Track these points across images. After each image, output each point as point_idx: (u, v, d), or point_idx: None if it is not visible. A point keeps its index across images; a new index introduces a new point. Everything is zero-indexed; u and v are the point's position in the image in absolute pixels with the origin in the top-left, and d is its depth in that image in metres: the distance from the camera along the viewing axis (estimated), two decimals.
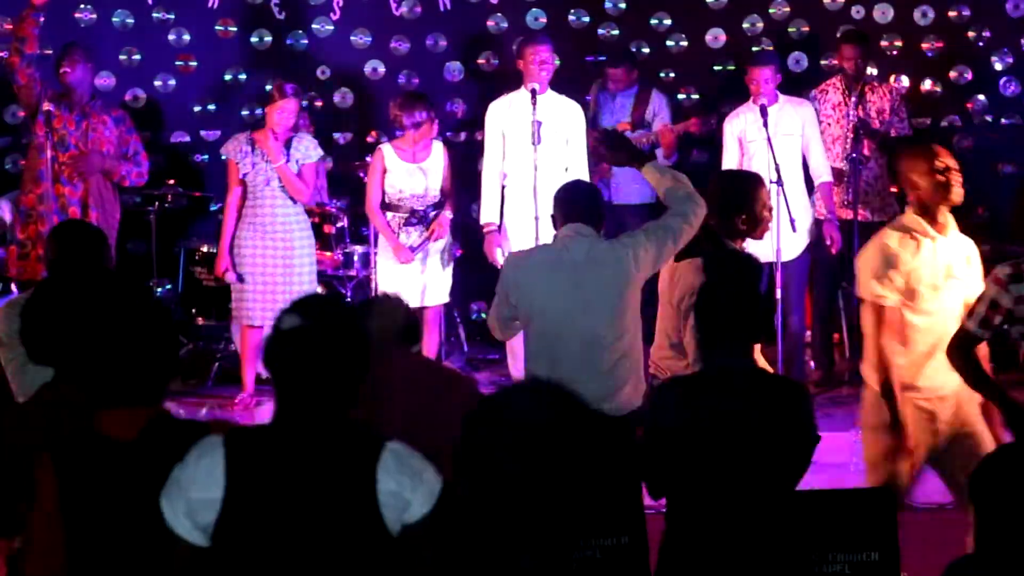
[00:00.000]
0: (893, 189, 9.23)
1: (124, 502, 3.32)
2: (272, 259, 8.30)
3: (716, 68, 10.26)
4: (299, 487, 3.10)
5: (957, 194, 5.41)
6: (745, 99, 8.70)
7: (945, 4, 10.14)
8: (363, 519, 3.10)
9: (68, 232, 5.21)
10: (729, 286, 4.36)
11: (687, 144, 9.63)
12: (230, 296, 8.48)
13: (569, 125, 8.44)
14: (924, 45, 10.20)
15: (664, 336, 5.62)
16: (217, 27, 10.19)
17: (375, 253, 8.79)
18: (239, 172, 8.32)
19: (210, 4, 10.12)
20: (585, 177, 8.30)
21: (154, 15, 10.10)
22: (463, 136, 10.19)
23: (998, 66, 10.16)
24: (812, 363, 9.09)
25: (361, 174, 9.21)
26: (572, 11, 10.29)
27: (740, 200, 5.65)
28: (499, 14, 10.27)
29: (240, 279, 8.33)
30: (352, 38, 10.27)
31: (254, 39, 10.23)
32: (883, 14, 10.17)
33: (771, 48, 9.92)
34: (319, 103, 10.24)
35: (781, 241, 7.82)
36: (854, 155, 8.70)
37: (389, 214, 8.38)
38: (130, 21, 10.11)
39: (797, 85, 9.36)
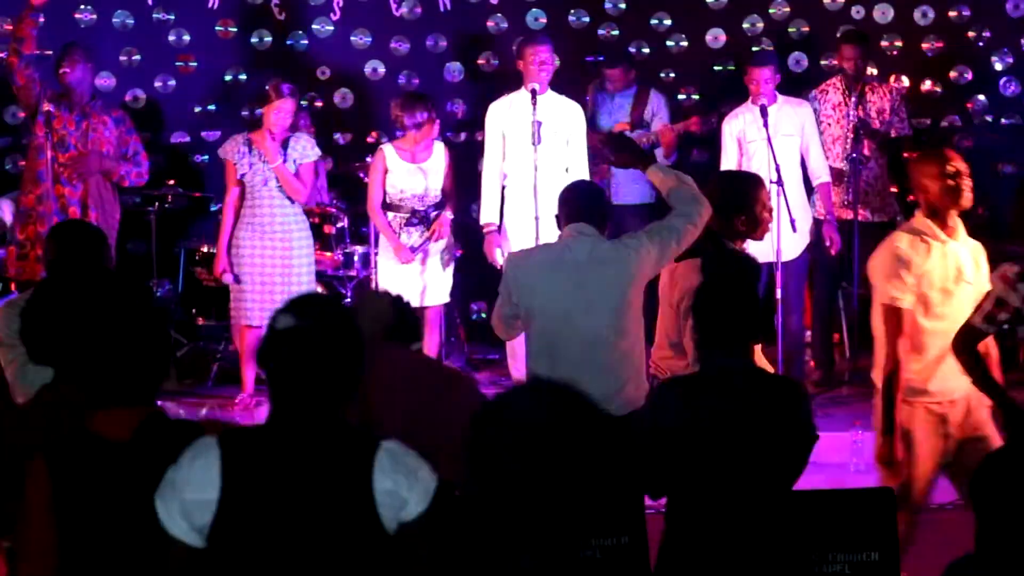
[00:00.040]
0: (893, 189, 9.24)
1: (118, 502, 3.31)
2: (271, 259, 8.29)
3: (716, 68, 10.25)
4: (295, 487, 3.09)
5: (967, 199, 5.44)
6: (745, 99, 8.70)
7: (945, 4, 10.13)
8: (360, 518, 3.10)
9: (68, 232, 5.22)
10: (727, 287, 4.36)
11: (687, 144, 9.63)
12: (230, 296, 8.48)
13: (569, 125, 8.44)
14: (924, 45, 10.20)
15: (664, 336, 5.63)
16: (217, 27, 10.19)
17: (375, 253, 8.79)
18: (237, 173, 8.32)
19: (210, 4, 10.12)
20: (585, 177, 8.30)
21: (154, 15, 10.10)
22: (463, 136, 10.19)
23: (998, 66, 10.16)
24: (812, 363, 9.09)
25: (361, 174, 9.21)
26: (572, 11, 10.28)
27: (739, 201, 5.65)
28: (499, 14, 10.27)
29: (237, 280, 8.33)
30: (352, 38, 10.27)
31: (254, 39, 10.23)
32: (883, 14, 10.17)
33: (771, 48, 9.91)
34: (319, 103, 10.24)
35: (781, 241, 7.82)
36: (854, 155, 8.70)
37: (390, 214, 8.38)
38: (130, 21, 10.11)
39: (797, 85, 9.36)
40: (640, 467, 4.28)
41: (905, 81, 10.09)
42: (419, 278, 8.35)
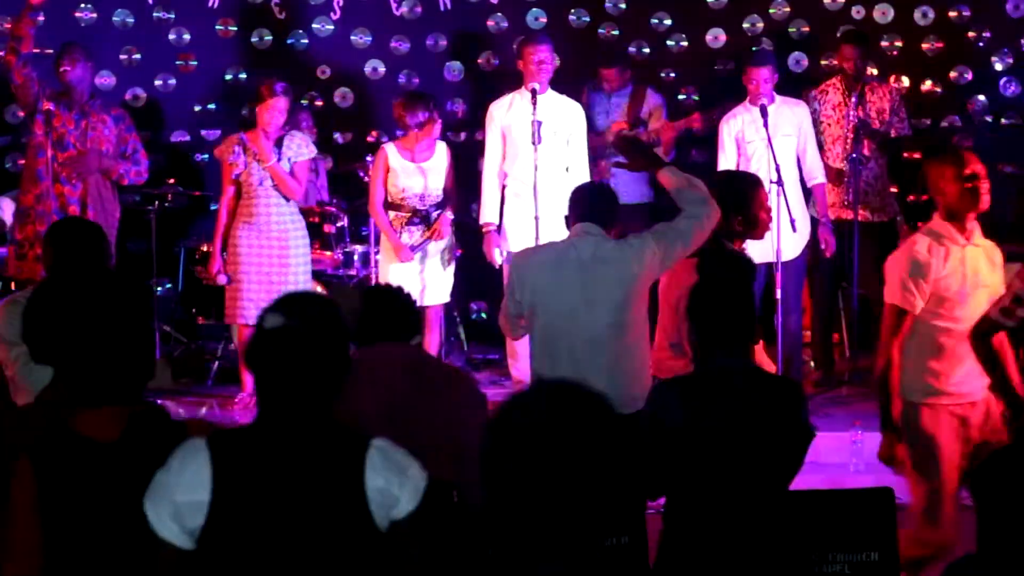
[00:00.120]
0: (893, 189, 9.24)
1: (104, 502, 3.28)
2: (268, 258, 8.28)
3: (717, 68, 10.24)
4: (288, 487, 3.08)
5: (985, 201, 5.45)
6: (743, 99, 8.69)
7: (945, 4, 10.13)
8: (353, 517, 3.09)
9: (67, 230, 5.21)
10: (720, 287, 4.37)
11: (686, 144, 9.63)
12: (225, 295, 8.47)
13: (569, 125, 8.44)
14: (924, 45, 10.19)
15: (664, 336, 5.64)
16: (217, 27, 10.19)
17: (375, 253, 8.79)
18: (232, 173, 8.31)
19: (210, 4, 10.12)
20: (585, 176, 8.31)
21: (154, 15, 10.11)
22: (463, 136, 10.19)
23: (998, 66, 10.16)
24: (812, 363, 9.09)
25: (361, 173, 9.21)
26: (572, 11, 10.28)
27: (736, 201, 5.67)
28: (499, 14, 10.27)
29: (230, 281, 8.31)
30: (352, 38, 10.27)
31: (254, 39, 10.23)
32: (883, 14, 10.17)
33: (769, 48, 9.91)
34: (319, 103, 10.24)
35: (780, 241, 7.81)
36: (854, 155, 8.69)
37: (391, 213, 8.37)
38: (130, 21, 10.11)
39: (797, 85, 9.35)
40: (641, 467, 4.28)
41: (905, 81, 10.09)
42: (419, 277, 8.34)
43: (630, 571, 4.63)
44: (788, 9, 10.24)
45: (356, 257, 9.16)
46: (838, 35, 9.45)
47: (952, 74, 10.19)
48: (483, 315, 10.20)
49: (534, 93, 8.22)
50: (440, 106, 8.46)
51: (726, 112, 8.68)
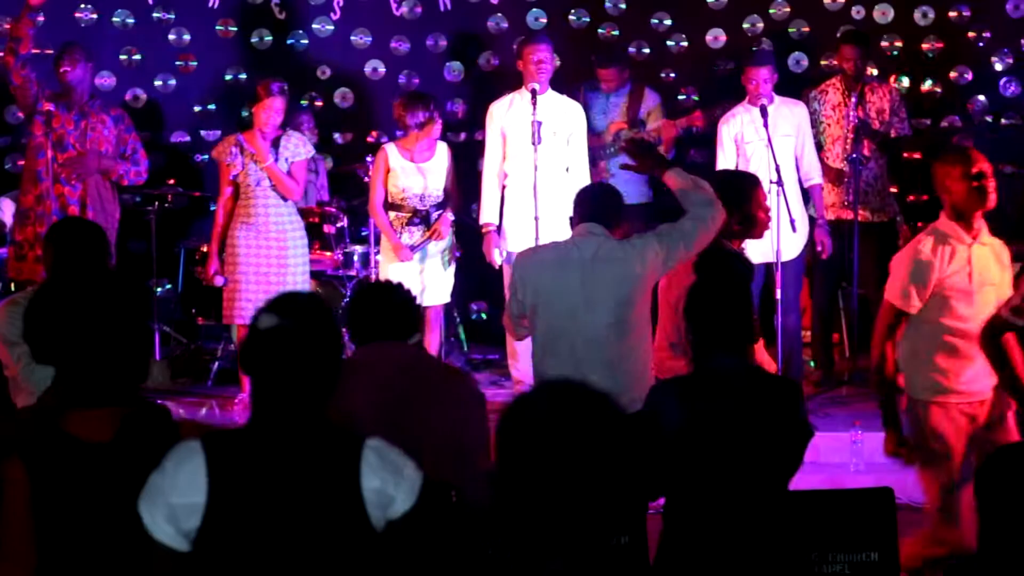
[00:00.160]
0: (893, 189, 9.24)
1: (98, 503, 3.27)
2: (266, 258, 8.28)
3: (717, 68, 10.24)
4: (284, 489, 3.07)
5: (992, 200, 5.47)
6: (742, 99, 8.68)
7: (945, 4, 10.13)
8: (349, 518, 3.09)
9: (67, 230, 5.21)
10: (717, 287, 4.37)
11: (685, 144, 9.62)
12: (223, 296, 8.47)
13: (569, 125, 8.44)
14: (924, 45, 10.20)
15: (664, 336, 5.64)
16: (217, 27, 10.19)
17: (375, 253, 8.79)
18: (229, 173, 8.30)
19: (210, 4, 10.13)
20: (586, 177, 8.31)
21: (154, 15, 10.11)
22: (463, 136, 10.19)
23: (998, 66, 10.16)
24: (812, 363, 9.09)
25: (361, 174, 9.21)
26: (572, 11, 10.28)
27: (734, 200, 5.66)
28: (499, 14, 10.27)
29: (227, 282, 8.31)
30: (352, 38, 10.27)
31: (254, 39, 10.23)
32: (883, 14, 10.17)
33: (769, 48, 9.91)
34: (319, 103, 10.24)
35: (780, 241, 7.81)
36: (854, 155, 8.69)
37: (392, 214, 8.36)
38: (130, 21, 10.12)
39: (797, 85, 9.35)
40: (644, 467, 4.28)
41: (905, 81, 10.09)
42: (419, 278, 8.33)
43: (630, 571, 4.63)
44: (788, 9, 10.24)
45: (356, 257, 9.16)
46: (838, 35, 9.44)
47: (952, 74, 10.19)
48: (483, 315, 10.20)
49: (534, 93, 8.22)
50: (440, 106, 8.45)
51: (727, 110, 8.67)
